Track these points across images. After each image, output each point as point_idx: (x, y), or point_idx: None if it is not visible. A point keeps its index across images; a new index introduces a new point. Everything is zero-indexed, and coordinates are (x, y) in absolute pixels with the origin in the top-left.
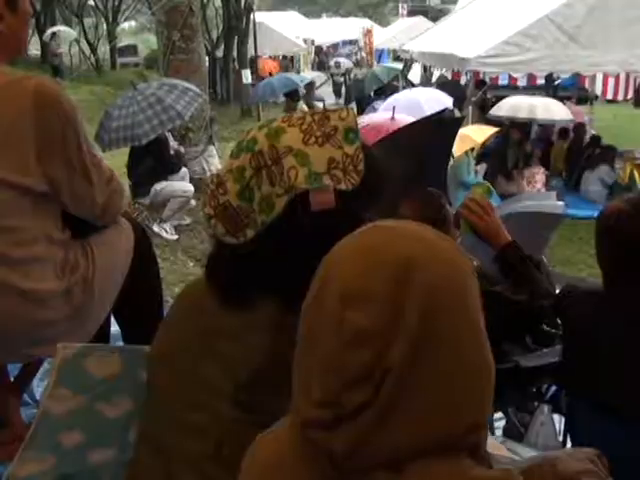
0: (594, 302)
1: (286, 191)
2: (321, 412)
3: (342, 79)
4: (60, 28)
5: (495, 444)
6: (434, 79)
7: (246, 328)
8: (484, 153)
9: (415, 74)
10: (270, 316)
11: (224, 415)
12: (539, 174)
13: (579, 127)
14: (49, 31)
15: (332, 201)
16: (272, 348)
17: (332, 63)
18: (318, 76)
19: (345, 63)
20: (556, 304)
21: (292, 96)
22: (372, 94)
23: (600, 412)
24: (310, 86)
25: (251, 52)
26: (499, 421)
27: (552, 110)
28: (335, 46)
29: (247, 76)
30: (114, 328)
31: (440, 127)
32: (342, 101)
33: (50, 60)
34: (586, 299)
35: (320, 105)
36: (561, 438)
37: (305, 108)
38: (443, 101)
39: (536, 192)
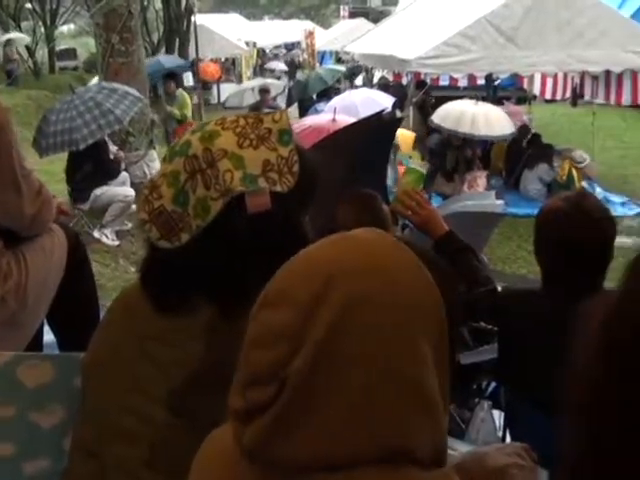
0: (532, 301)
1: (222, 194)
2: (235, 402)
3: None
4: (16, 35)
5: None
6: (375, 80)
7: (180, 333)
8: (428, 153)
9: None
10: (205, 321)
11: (158, 420)
12: (481, 178)
13: (523, 128)
14: (4, 37)
15: (268, 203)
16: (206, 354)
17: (267, 67)
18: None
19: (280, 66)
20: (493, 303)
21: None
22: (315, 96)
23: (537, 409)
24: (264, 93)
25: (192, 55)
26: None
27: (493, 125)
28: (278, 48)
29: (188, 79)
30: (50, 336)
31: (378, 128)
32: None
33: (5, 66)
34: (523, 298)
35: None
36: (501, 434)
37: (185, 94)
38: (381, 102)
39: (476, 192)
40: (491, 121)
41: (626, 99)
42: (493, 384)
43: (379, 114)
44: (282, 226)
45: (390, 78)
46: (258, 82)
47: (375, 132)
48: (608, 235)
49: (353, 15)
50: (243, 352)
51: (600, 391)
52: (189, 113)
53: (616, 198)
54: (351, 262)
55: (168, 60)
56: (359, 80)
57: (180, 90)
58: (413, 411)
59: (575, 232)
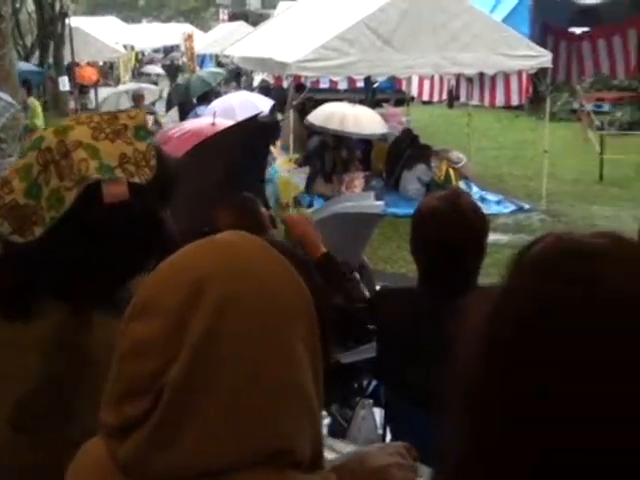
0: (409, 300)
1: (76, 183)
2: (107, 417)
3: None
4: None
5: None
6: (255, 83)
7: (25, 343)
8: (307, 155)
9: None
10: (53, 331)
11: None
12: (358, 179)
13: (406, 131)
14: None
15: (125, 193)
16: (47, 367)
17: (143, 71)
18: (147, 88)
19: (157, 70)
20: (370, 304)
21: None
22: (195, 100)
23: (415, 406)
24: (138, 98)
25: (68, 59)
26: (323, 419)
27: (362, 124)
28: (157, 51)
29: (64, 83)
30: None
31: (255, 132)
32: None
33: None
34: (401, 297)
35: (150, 118)
36: (381, 432)
37: (36, 103)
38: (258, 105)
39: (355, 193)
40: (361, 121)
41: (499, 100)
42: (374, 382)
43: (255, 117)
44: (140, 218)
45: (271, 81)
46: (132, 86)
47: (253, 135)
48: (481, 233)
49: (232, 18)
50: (114, 366)
51: (481, 389)
52: (39, 122)
53: (492, 197)
54: (218, 266)
55: (22, 67)
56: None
57: (31, 98)
58: (290, 412)
59: (450, 230)
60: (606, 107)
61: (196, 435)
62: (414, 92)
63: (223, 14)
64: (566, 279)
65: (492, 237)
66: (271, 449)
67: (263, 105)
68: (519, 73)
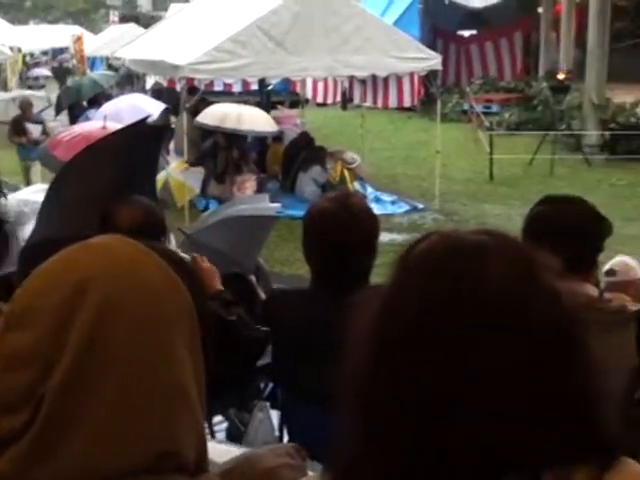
0: (303, 301)
1: None
2: None
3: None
4: None
5: (216, 448)
6: (148, 86)
7: None
8: (200, 157)
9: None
10: None
11: None
12: (250, 180)
13: (303, 135)
14: None
15: None
16: None
17: (30, 75)
18: (35, 95)
19: (45, 73)
20: (263, 309)
21: None
22: (86, 103)
23: (310, 406)
24: (26, 106)
25: None
26: (220, 424)
27: (258, 122)
28: (45, 54)
29: None
30: None
31: (144, 135)
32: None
33: None
34: (294, 299)
35: (38, 128)
36: (279, 433)
37: None
38: (147, 109)
39: (249, 195)
40: (256, 119)
41: (392, 102)
42: (271, 385)
43: (144, 121)
44: None
45: (164, 84)
46: (20, 94)
47: (142, 139)
48: (373, 233)
49: (123, 20)
50: None
51: (371, 388)
52: None
53: (386, 197)
54: (99, 268)
55: None
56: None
57: None
58: (174, 414)
59: (341, 231)
60: (495, 108)
61: (80, 442)
62: (309, 94)
63: (113, 16)
64: (451, 277)
65: (387, 237)
66: (157, 451)
67: (152, 109)
68: (411, 75)
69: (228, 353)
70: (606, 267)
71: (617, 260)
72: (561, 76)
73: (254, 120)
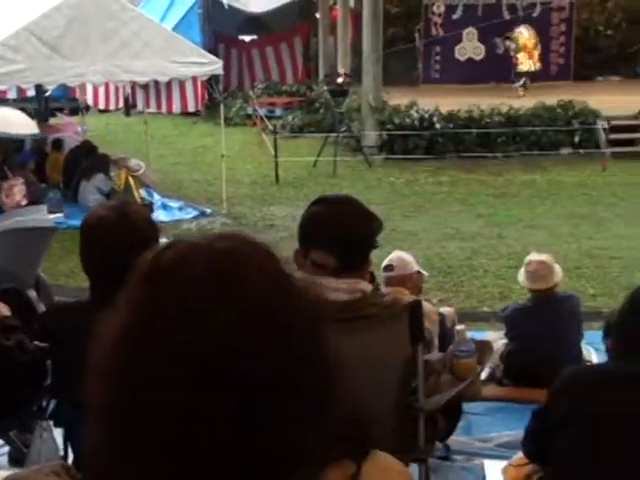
0: (79, 313)
1: None
2: None
3: None
4: None
5: None
6: None
7: None
8: None
9: None
10: None
11: None
12: (17, 185)
13: (85, 143)
14: None
15: None
16: None
17: None
18: None
19: None
20: (41, 324)
21: None
22: None
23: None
24: None
25: None
26: (1, 448)
27: (12, 124)
28: None
29: None
30: None
31: None
32: None
33: None
34: (69, 313)
35: None
36: (63, 452)
37: None
38: None
39: (25, 207)
40: (9, 120)
41: (176, 107)
42: (54, 402)
43: None
44: None
45: None
46: None
47: None
48: (151, 241)
49: None
50: None
51: (112, 400)
52: None
53: (174, 203)
54: None
55: None
56: None
57: None
58: None
59: (118, 240)
60: (278, 112)
61: None
62: (90, 100)
63: None
64: (206, 285)
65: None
66: None
67: None
68: (194, 80)
69: (4, 381)
70: (384, 263)
71: (394, 255)
72: (340, 80)
73: (8, 122)
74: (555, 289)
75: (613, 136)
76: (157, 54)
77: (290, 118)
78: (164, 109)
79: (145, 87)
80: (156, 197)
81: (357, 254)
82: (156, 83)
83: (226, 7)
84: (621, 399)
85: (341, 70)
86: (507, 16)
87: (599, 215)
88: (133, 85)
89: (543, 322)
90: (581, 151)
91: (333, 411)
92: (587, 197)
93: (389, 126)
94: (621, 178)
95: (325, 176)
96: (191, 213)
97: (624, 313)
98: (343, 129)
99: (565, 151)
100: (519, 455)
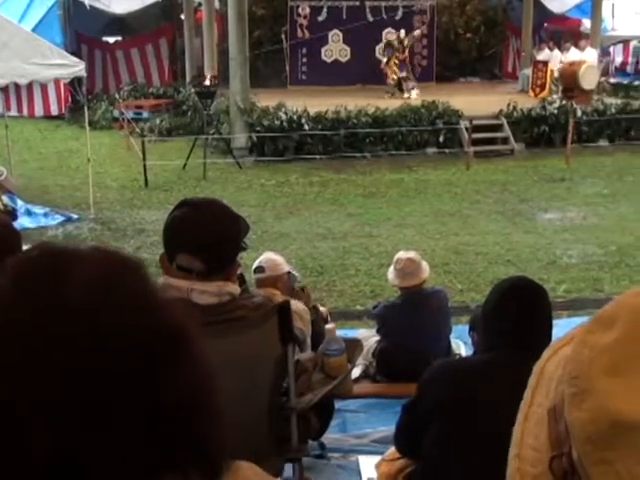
0: None
1: None
2: None
3: None
4: None
5: None
6: None
7: None
8: None
9: None
10: None
11: None
12: None
13: None
14: None
15: None
16: None
17: None
18: None
19: None
20: None
21: None
22: None
23: None
24: None
25: None
26: None
27: None
28: None
29: None
30: None
31: None
32: None
33: None
34: None
35: None
36: None
37: None
38: None
39: None
40: None
41: (39, 110)
42: None
43: None
44: None
45: None
46: None
47: None
48: (13, 249)
49: None
50: None
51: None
52: None
53: (38, 209)
54: None
55: None
56: None
57: None
58: None
59: None
60: (145, 114)
61: None
62: None
63: None
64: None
65: None
66: None
67: None
68: (56, 82)
69: None
70: (254, 264)
71: (264, 257)
72: (207, 82)
73: None
74: (423, 285)
75: (475, 135)
76: (16, 55)
77: (158, 121)
78: (26, 112)
79: (4, 90)
80: (19, 203)
81: (223, 256)
82: (16, 85)
83: (88, 8)
84: (485, 390)
85: (208, 72)
86: (370, 18)
87: (464, 212)
88: None
89: (412, 318)
90: (446, 150)
91: (187, 422)
92: (452, 195)
93: (258, 128)
94: (484, 176)
95: (195, 179)
96: (57, 219)
97: (485, 309)
98: (212, 131)
99: (431, 150)
100: (392, 450)
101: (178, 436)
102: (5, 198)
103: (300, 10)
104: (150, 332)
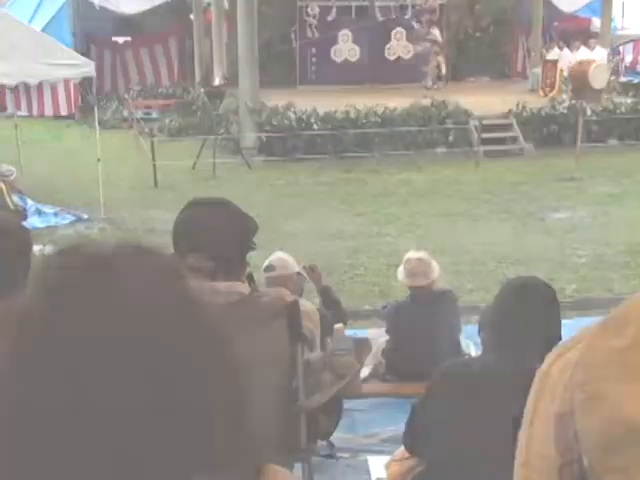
0: None
1: None
2: None
3: None
4: None
5: None
6: None
7: None
8: None
9: None
10: None
11: None
12: None
13: None
14: None
15: None
16: None
17: None
18: None
19: None
20: None
21: None
22: None
23: None
24: None
25: None
26: None
27: None
28: None
29: None
30: None
31: None
32: None
33: None
34: None
35: None
36: None
37: None
38: None
39: None
40: None
41: (48, 110)
42: None
43: None
44: None
45: None
46: None
47: None
48: (23, 248)
49: None
50: None
51: None
52: None
53: (48, 209)
54: None
55: None
56: None
57: None
58: None
59: None
60: (155, 114)
61: None
62: None
63: None
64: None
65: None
66: None
67: None
68: (66, 82)
69: None
70: (265, 264)
71: (274, 256)
72: (217, 82)
73: None
74: (433, 285)
75: (484, 135)
76: (26, 56)
77: (167, 121)
78: (35, 112)
79: (14, 90)
80: (30, 203)
81: (232, 256)
82: (25, 85)
83: (97, 8)
84: (493, 390)
85: (217, 72)
86: (380, 18)
87: (473, 212)
88: (2, 87)
89: (421, 318)
90: (455, 150)
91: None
92: (462, 195)
93: (267, 127)
94: (493, 175)
95: (204, 179)
96: (67, 219)
97: (493, 309)
98: (221, 131)
99: (440, 150)
100: (401, 449)
101: (224, 436)
102: (15, 198)
103: (309, 10)
104: (207, 330)
